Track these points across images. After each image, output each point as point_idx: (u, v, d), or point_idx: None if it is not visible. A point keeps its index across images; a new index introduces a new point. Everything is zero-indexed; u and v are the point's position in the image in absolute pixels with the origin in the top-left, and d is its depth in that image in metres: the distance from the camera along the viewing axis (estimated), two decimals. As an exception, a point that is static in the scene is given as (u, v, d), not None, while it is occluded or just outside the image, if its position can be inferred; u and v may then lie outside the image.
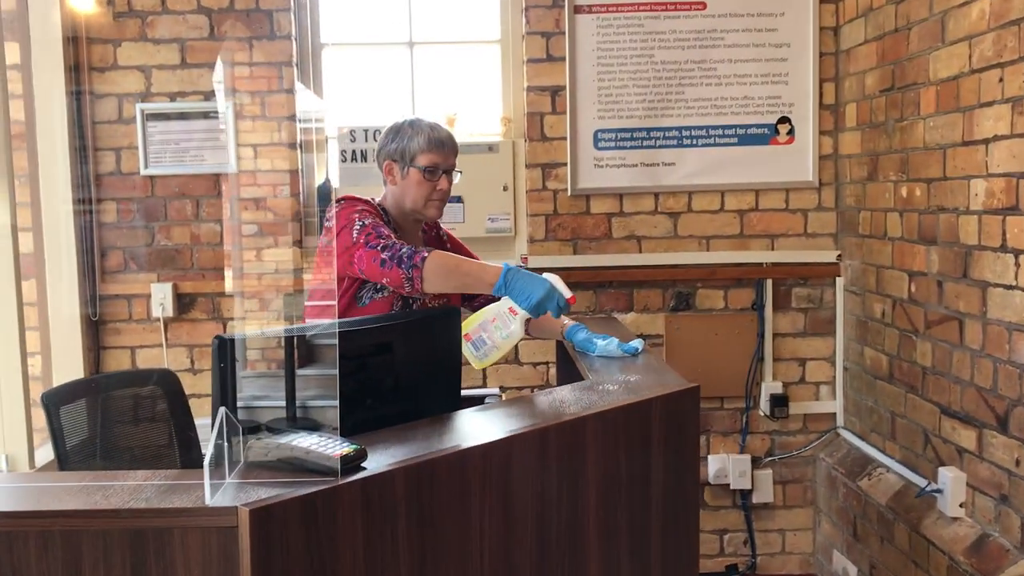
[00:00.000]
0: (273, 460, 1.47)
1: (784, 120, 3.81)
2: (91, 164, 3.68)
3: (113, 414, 2.49)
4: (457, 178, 2.45)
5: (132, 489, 1.39)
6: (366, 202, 2.39)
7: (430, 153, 2.36)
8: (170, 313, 3.73)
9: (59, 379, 3.44)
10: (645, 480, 1.88)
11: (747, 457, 3.90)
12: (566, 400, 1.90)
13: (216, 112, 3.70)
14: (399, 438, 1.63)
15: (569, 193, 3.79)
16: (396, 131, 2.41)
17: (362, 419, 1.78)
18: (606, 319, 3.51)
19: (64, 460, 2.26)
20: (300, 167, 3.80)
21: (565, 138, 3.77)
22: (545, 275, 2.09)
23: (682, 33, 3.75)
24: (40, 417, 2.29)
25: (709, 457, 3.90)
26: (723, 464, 3.89)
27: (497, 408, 1.93)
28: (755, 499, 3.93)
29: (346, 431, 1.69)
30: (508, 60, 3.86)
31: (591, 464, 1.77)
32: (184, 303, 3.78)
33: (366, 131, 3.78)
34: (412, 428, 1.70)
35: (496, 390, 3.27)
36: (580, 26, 3.75)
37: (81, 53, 3.62)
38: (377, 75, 3.94)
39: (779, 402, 3.87)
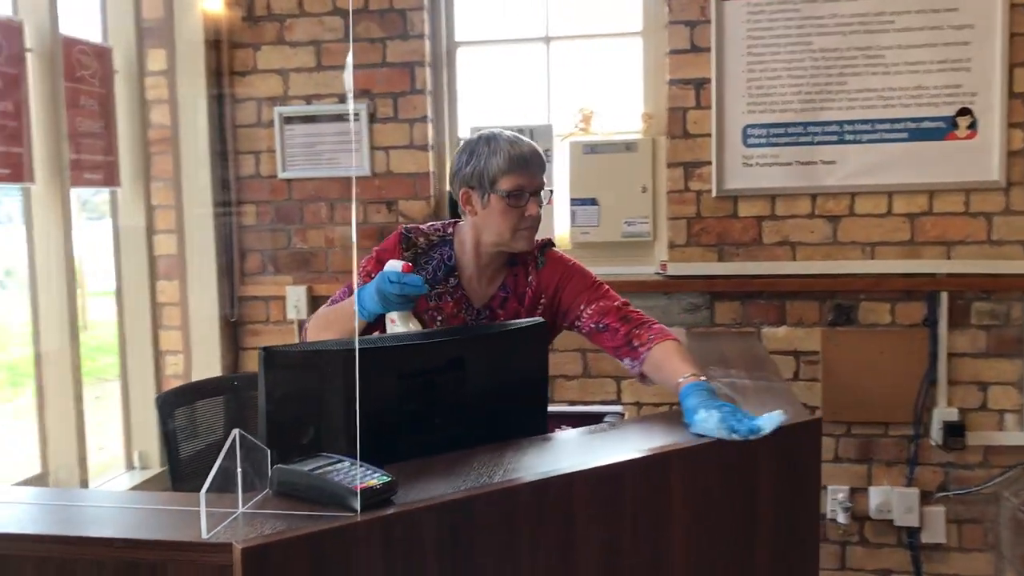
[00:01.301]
0: (301, 489, 1.32)
1: (965, 112, 3.35)
2: (231, 167, 3.73)
3: (246, 413, 2.45)
4: (548, 198, 2.07)
5: (148, 514, 1.29)
6: (390, 242, 2.10)
7: (512, 175, 1.96)
8: (304, 316, 3.73)
9: (198, 378, 3.49)
10: (749, 527, 1.61)
11: (915, 491, 3.46)
12: (655, 431, 1.66)
13: (350, 114, 3.67)
14: (446, 469, 1.45)
15: (714, 194, 3.50)
16: (470, 151, 2.03)
17: (428, 442, 1.62)
18: (751, 335, 3.20)
19: (176, 463, 2.23)
20: (432, 169, 3.71)
21: (710, 135, 3.48)
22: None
23: (844, 17, 3.37)
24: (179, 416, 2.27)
25: (870, 489, 3.49)
26: (886, 497, 3.47)
27: (575, 436, 1.71)
28: (924, 538, 3.48)
29: (405, 455, 1.54)
30: (650, 52, 3.61)
31: (677, 508, 1.53)
32: (318, 306, 3.76)
33: (499, 131, 3.63)
34: (466, 457, 1.51)
35: (619, 408, 3.04)
36: (728, 13, 3.44)
37: (223, 58, 3.68)
38: (512, 73, 3.79)
39: (954, 431, 3.41)
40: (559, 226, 3.67)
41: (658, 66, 3.58)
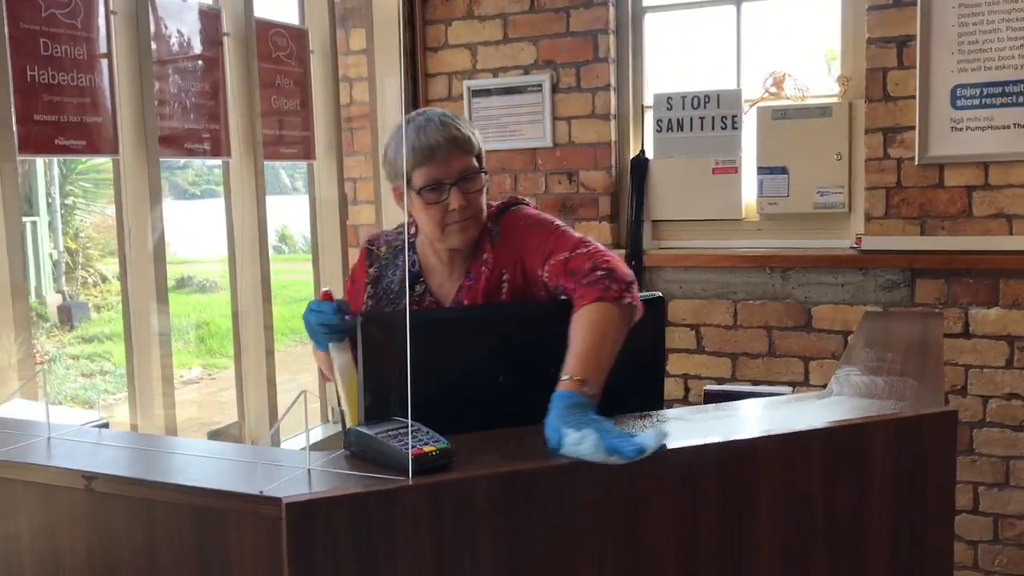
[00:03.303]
0: (368, 451, 1.37)
1: None
2: (423, 140, 3.87)
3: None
4: (484, 181, 1.78)
5: (232, 466, 1.38)
6: (358, 257, 1.94)
7: (423, 168, 1.71)
8: (489, 285, 3.82)
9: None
10: (856, 533, 1.48)
11: None
12: (752, 415, 1.56)
13: (534, 86, 3.69)
14: (525, 440, 1.44)
15: (917, 162, 3.19)
16: (386, 144, 1.82)
17: (522, 412, 1.61)
18: (935, 317, 2.92)
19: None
20: (614, 139, 3.65)
21: (914, 97, 3.18)
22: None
23: (1079, -44, 2.95)
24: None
25: (1097, 496, 3.08)
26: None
27: (678, 414, 1.64)
28: None
29: (499, 425, 1.55)
30: (848, 10, 3.34)
31: (765, 502, 1.43)
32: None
33: (683, 98, 3.52)
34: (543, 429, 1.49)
35: (786, 390, 2.86)
36: (938, -39, 3.11)
37: (416, 35, 3.81)
38: (700, 38, 3.65)
39: None
40: (746, 195, 3.51)
41: (856, 24, 3.31)
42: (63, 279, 12.11)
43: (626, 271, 1.67)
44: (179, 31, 2.78)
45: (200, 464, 1.41)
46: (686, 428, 1.54)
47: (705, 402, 2.70)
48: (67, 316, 11.29)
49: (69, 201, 12.91)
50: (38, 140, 2.29)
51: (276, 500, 1.22)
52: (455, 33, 3.80)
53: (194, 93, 2.83)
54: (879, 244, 3.26)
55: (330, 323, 1.65)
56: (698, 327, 3.56)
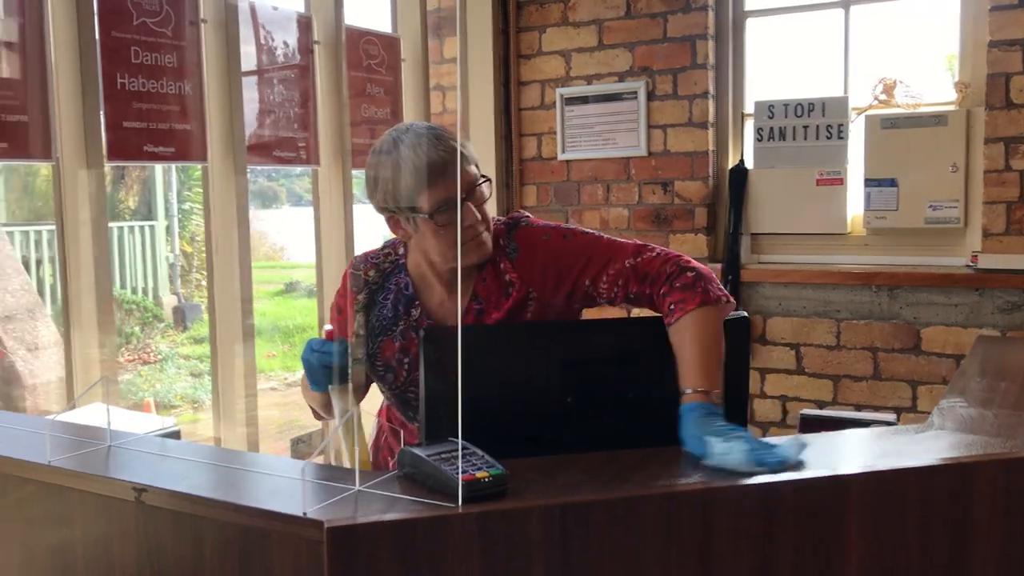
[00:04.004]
0: (419, 474, 1.31)
1: None
2: (515, 149, 3.82)
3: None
4: (487, 189, 1.64)
5: (282, 483, 1.34)
6: (342, 284, 1.79)
7: (429, 190, 1.56)
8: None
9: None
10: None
11: None
12: (842, 447, 1.43)
13: (629, 93, 3.59)
14: (589, 468, 1.35)
15: (1042, 175, 2.96)
16: (374, 171, 1.63)
17: (590, 436, 1.53)
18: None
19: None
20: (711, 148, 3.52)
21: (1039, 104, 2.94)
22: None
23: None
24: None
25: None
26: None
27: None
28: None
29: (564, 449, 1.46)
30: (967, 11, 3.13)
31: (852, 544, 1.30)
32: (594, 288, 3.75)
33: (786, 106, 3.36)
34: (614, 457, 1.40)
35: (892, 416, 2.67)
36: (1070, -43, 2.88)
37: (510, 43, 3.76)
38: (806, 42, 3.48)
39: None
40: (852, 208, 3.33)
41: (977, 26, 3.09)
42: (178, 282, 12.56)
43: (707, 268, 1.60)
44: (269, 39, 2.79)
45: (252, 480, 1.37)
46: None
47: (801, 428, 2.55)
48: (181, 317, 11.71)
49: (186, 206, 13.41)
50: (127, 146, 2.33)
51: (319, 523, 1.16)
52: (549, 40, 3.74)
53: (284, 101, 2.84)
54: (998, 263, 3.03)
55: (332, 365, 1.55)
56: (798, 347, 3.39)
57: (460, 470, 1.23)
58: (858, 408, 3.27)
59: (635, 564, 1.23)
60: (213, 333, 2.66)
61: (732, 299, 1.59)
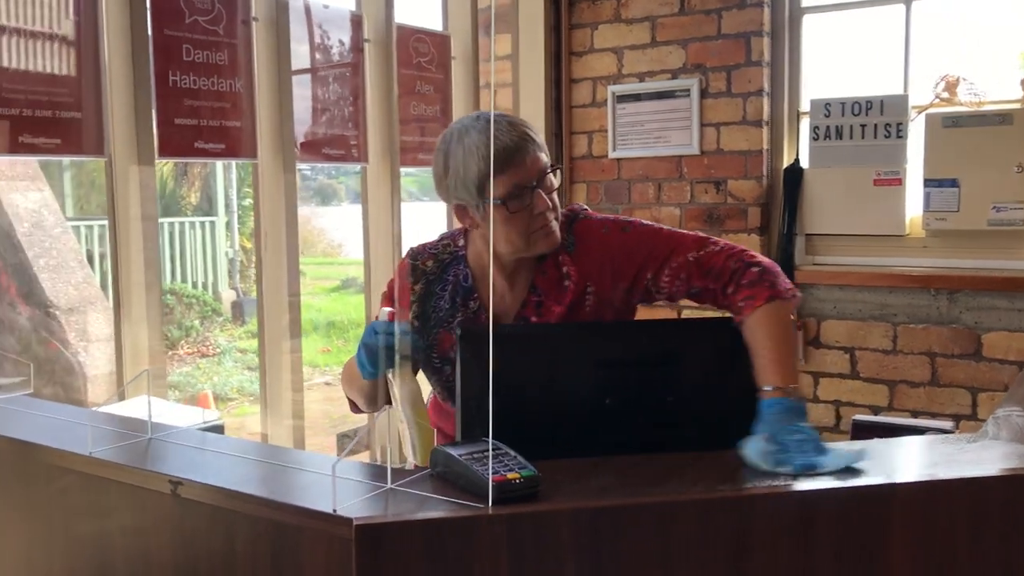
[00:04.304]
0: (451, 474, 1.30)
1: None
2: (565, 147, 3.79)
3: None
4: (557, 179, 1.63)
5: (316, 479, 1.34)
6: (399, 271, 1.73)
7: (501, 176, 1.54)
8: (628, 297, 3.69)
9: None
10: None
11: None
12: (890, 456, 1.39)
13: (682, 91, 3.54)
14: (625, 471, 1.33)
15: (1113, 176, 2.84)
16: (444, 156, 1.60)
17: (626, 441, 1.50)
18: None
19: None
20: (766, 147, 3.45)
21: (1111, 102, 2.83)
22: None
23: None
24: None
25: None
26: None
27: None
28: None
29: (598, 451, 1.44)
30: (1035, 5, 3.02)
31: (896, 557, 1.25)
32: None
33: (843, 104, 3.28)
34: (650, 461, 1.37)
35: (949, 424, 2.59)
36: None
37: (562, 40, 3.74)
38: (864, 39, 3.39)
39: None
40: (911, 209, 3.24)
41: (1045, 20, 2.99)
42: (237, 276, 12.78)
43: (770, 260, 1.58)
44: (321, 37, 2.81)
45: (286, 476, 1.37)
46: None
47: (852, 434, 2.49)
48: (239, 312, 11.91)
49: (246, 202, 13.63)
50: (178, 143, 2.36)
51: (347, 520, 1.16)
52: (601, 37, 3.70)
53: (334, 99, 2.86)
54: (1065, 267, 2.92)
55: (395, 346, 1.49)
56: (853, 350, 3.31)
57: (491, 471, 1.21)
58: (915, 415, 3.18)
59: (668, 571, 1.21)
60: (261, 328, 2.68)
61: (798, 292, 1.58)
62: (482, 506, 1.19)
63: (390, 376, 1.50)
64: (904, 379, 3.21)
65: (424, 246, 1.74)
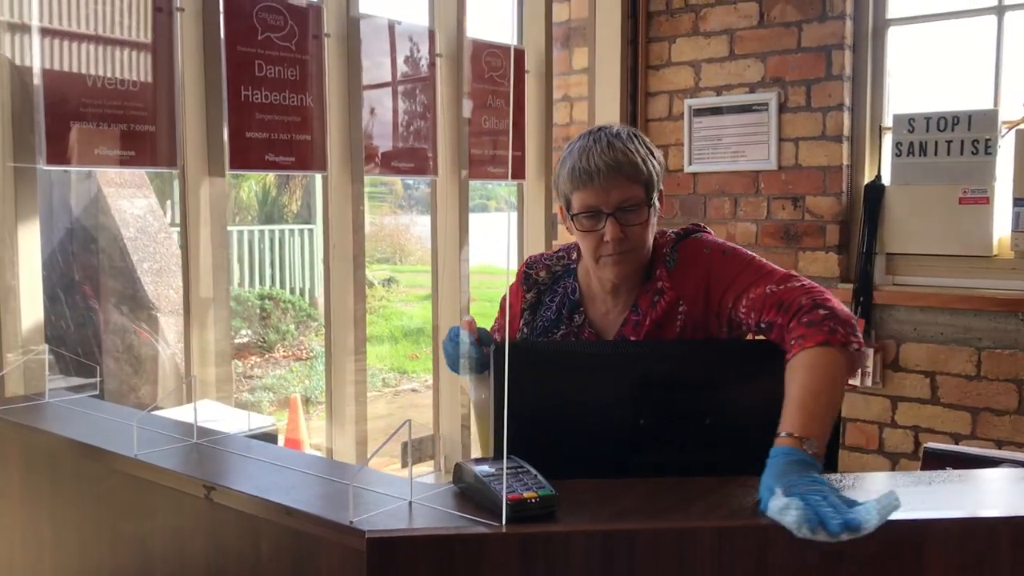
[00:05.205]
0: (470, 489, 1.30)
1: None
2: (641, 161, 3.76)
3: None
4: (651, 214, 1.60)
5: (340, 489, 1.37)
6: (516, 277, 1.81)
7: (580, 193, 1.58)
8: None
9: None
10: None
11: None
12: (945, 489, 1.33)
13: (760, 105, 3.47)
14: (651, 493, 1.31)
15: None
16: (561, 158, 1.67)
17: (657, 460, 1.49)
18: None
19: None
20: (846, 162, 3.35)
21: None
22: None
23: None
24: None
25: None
26: None
27: (841, 481, 1.43)
28: None
29: (633, 473, 1.43)
30: None
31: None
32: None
33: (928, 119, 3.16)
34: (680, 485, 1.35)
35: (1027, 456, 2.45)
36: None
37: (639, 54, 3.71)
38: (953, 51, 3.27)
39: None
40: (999, 229, 3.09)
41: None
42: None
43: (848, 312, 1.48)
44: (392, 52, 2.86)
45: (314, 484, 1.40)
46: (859, 496, 1.33)
47: (923, 463, 2.39)
48: (334, 317, 12.19)
49: (345, 211, 13.92)
50: (249, 156, 2.44)
51: (360, 532, 1.18)
52: (679, 50, 3.67)
53: (405, 113, 2.91)
54: None
55: (466, 353, 1.59)
56: (933, 375, 3.17)
57: (504, 488, 1.21)
58: (999, 444, 3.03)
59: (683, 600, 1.18)
60: (328, 335, 2.75)
61: (864, 349, 1.46)
62: (496, 524, 1.19)
63: (467, 381, 1.58)
64: (988, 407, 3.07)
65: (541, 256, 1.81)
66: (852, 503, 1.15)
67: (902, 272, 3.28)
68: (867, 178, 3.34)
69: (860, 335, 1.45)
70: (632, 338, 1.67)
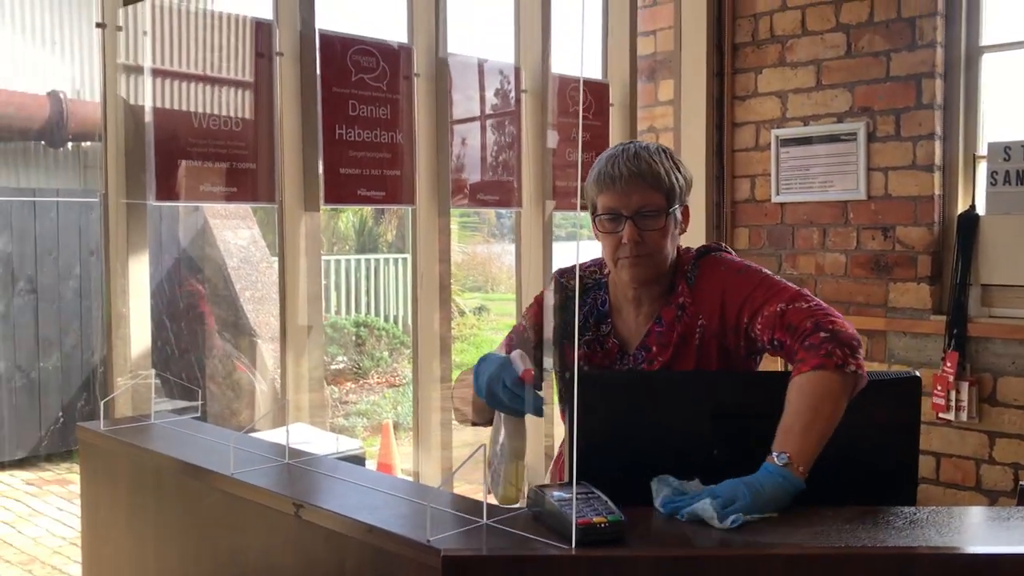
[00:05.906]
0: (544, 514, 1.35)
1: None
2: (727, 191, 3.77)
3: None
4: (670, 222, 1.66)
5: (418, 509, 1.43)
6: (568, 268, 1.84)
7: (603, 195, 1.67)
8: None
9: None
10: None
11: None
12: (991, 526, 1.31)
13: (848, 134, 3.44)
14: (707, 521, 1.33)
15: None
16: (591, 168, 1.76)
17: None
18: None
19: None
20: (938, 192, 3.29)
21: None
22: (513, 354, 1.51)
23: None
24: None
25: None
26: None
27: (928, 516, 1.42)
28: None
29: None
30: None
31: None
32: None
33: (1024, 147, 3.09)
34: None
35: None
36: None
37: (725, 85, 3.73)
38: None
39: None
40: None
41: None
42: (425, 312, 13.31)
43: (852, 333, 1.51)
44: (480, 90, 2.96)
45: (396, 505, 1.46)
46: (912, 530, 1.33)
47: (1019, 500, 2.33)
48: (426, 345, 12.41)
49: (439, 240, 14.18)
50: (342, 191, 2.56)
51: (436, 551, 1.24)
52: (765, 81, 3.67)
53: (492, 147, 3.00)
54: None
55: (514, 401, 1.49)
56: (1033, 410, 3.07)
57: (574, 513, 1.25)
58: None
59: (748, 625, 1.20)
60: (415, 363, 2.84)
61: (864, 373, 1.49)
62: (566, 547, 1.23)
63: (504, 420, 1.55)
64: (1087, 442, 2.96)
65: (574, 267, 1.84)
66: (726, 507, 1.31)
67: (998, 304, 3.20)
68: (960, 208, 3.27)
69: (861, 357, 1.49)
70: (654, 348, 1.72)
